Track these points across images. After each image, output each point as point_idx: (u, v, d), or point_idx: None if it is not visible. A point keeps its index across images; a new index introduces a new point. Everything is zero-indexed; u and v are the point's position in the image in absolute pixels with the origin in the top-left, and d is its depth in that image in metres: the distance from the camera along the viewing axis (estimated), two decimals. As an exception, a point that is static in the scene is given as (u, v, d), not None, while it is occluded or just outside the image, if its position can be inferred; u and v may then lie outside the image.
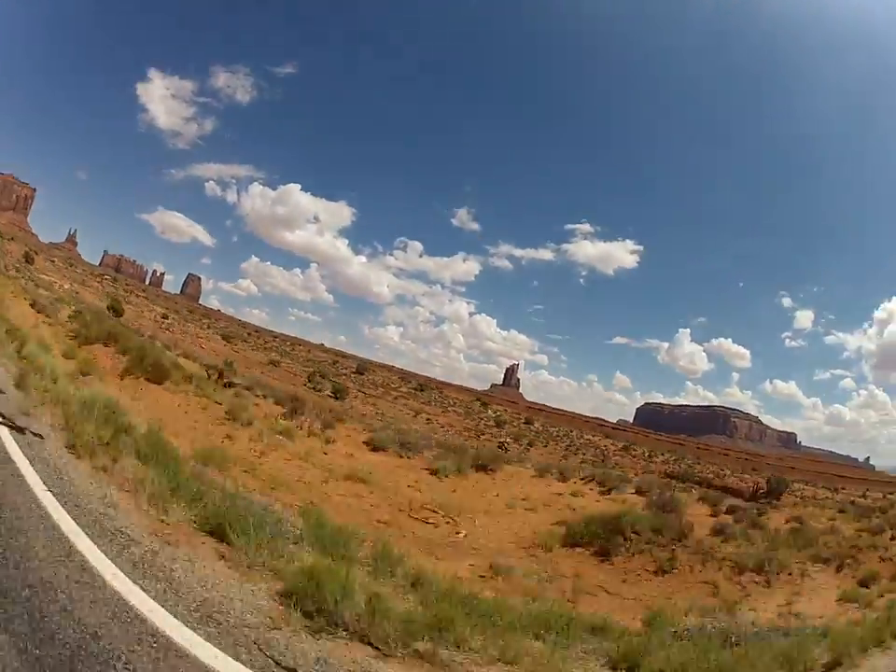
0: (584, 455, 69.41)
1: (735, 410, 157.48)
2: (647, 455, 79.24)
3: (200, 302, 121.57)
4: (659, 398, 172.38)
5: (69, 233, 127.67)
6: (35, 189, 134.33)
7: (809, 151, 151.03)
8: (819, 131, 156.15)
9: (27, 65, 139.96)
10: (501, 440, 52.38)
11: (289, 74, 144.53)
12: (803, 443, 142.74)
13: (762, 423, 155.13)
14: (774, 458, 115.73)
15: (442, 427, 54.24)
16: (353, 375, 77.36)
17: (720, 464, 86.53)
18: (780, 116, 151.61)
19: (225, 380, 22.72)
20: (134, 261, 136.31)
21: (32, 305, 24.73)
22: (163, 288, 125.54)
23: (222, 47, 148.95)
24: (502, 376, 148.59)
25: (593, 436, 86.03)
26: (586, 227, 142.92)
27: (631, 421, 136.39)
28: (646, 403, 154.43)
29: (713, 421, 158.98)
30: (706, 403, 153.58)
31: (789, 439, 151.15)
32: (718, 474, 73.55)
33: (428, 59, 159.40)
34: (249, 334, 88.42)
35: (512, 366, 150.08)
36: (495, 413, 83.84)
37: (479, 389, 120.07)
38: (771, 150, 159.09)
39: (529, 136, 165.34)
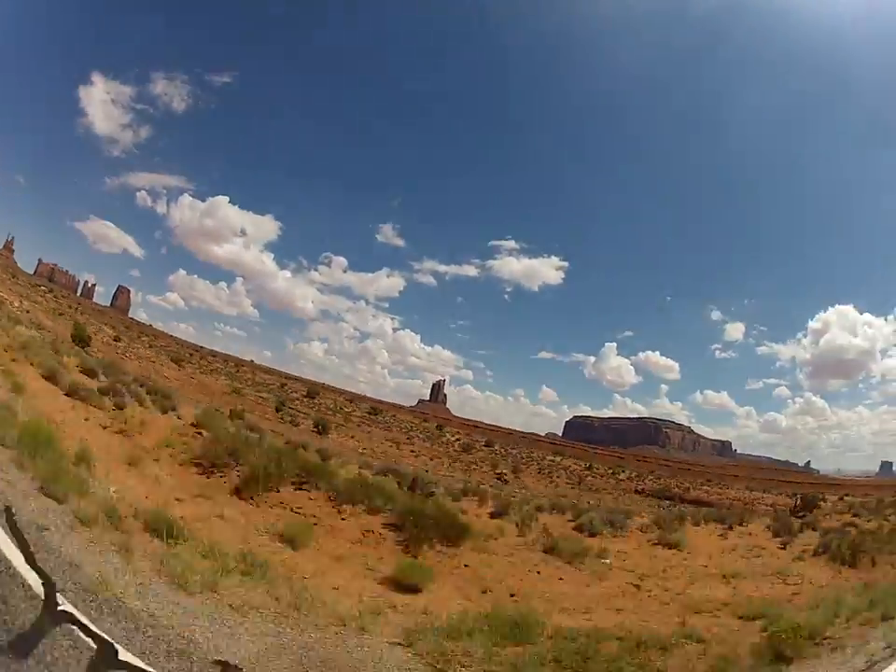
0: (558, 477, 70.51)
1: (665, 420, 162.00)
2: (611, 472, 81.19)
3: (130, 316, 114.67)
4: (587, 410, 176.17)
5: (6, 240, 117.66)
6: None
7: (735, 165, 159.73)
8: (744, 145, 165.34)
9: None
10: (499, 471, 52.16)
11: (226, 83, 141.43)
12: (738, 451, 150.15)
13: (694, 432, 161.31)
14: (715, 467, 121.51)
15: (431, 460, 53.48)
16: (305, 399, 74.96)
17: (671, 476, 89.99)
18: (707, 130, 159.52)
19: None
20: (67, 272, 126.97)
21: (48, 378, 17.92)
22: (94, 300, 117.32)
23: (163, 50, 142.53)
24: (429, 392, 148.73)
25: (554, 456, 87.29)
26: (511, 243, 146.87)
27: (560, 434, 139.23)
28: (575, 416, 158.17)
29: (644, 432, 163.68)
30: (635, 415, 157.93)
31: (723, 447, 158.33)
32: (681, 487, 76.44)
33: (353, 72, 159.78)
34: (191, 354, 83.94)
35: (439, 382, 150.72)
36: (454, 436, 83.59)
37: (407, 406, 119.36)
38: (696, 164, 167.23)
39: (455, 151, 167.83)
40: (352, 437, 55.30)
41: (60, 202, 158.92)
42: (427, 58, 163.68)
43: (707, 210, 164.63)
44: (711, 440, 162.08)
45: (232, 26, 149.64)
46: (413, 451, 57.41)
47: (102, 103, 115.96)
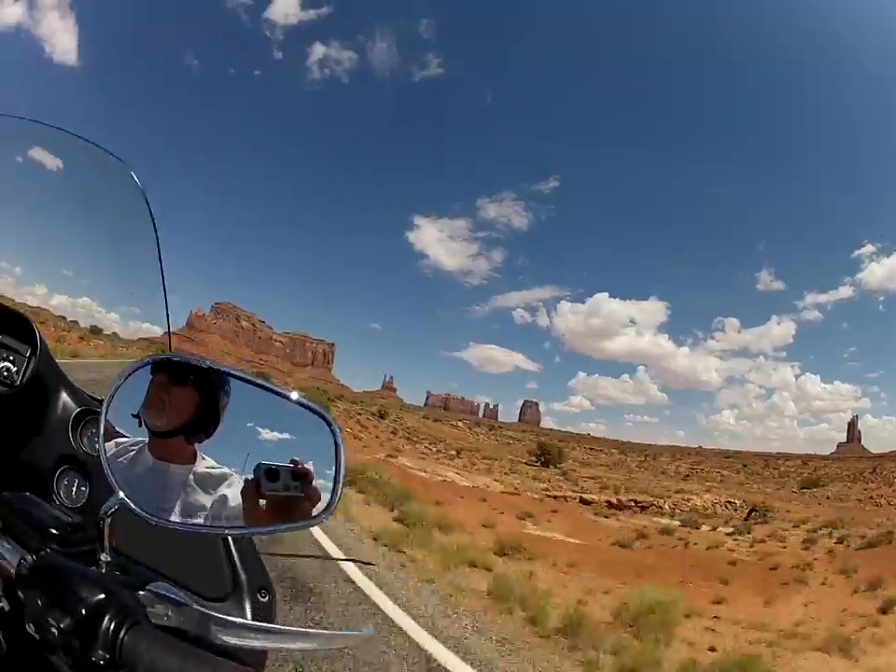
0: None
1: None
2: None
3: (541, 426, 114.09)
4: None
5: (384, 380, 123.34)
6: (333, 344, 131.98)
7: None
8: None
9: (300, 236, 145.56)
10: None
11: (554, 187, 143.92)
12: None
13: None
14: None
15: None
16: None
17: None
18: None
19: None
20: (462, 398, 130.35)
21: None
22: (499, 419, 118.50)
23: (477, 179, 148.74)
24: (843, 434, 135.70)
25: None
26: (869, 248, 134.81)
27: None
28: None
29: None
30: None
31: None
32: None
33: (689, 131, 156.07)
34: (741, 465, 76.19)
35: (852, 419, 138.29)
36: None
37: (822, 455, 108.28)
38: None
39: (793, 172, 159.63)
40: None
41: (429, 337, 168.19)
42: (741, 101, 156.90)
43: None
44: None
45: (534, 136, 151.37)
46: None
47: (437, 241, 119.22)
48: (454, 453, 54.95)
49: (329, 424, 0.89)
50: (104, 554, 0.90)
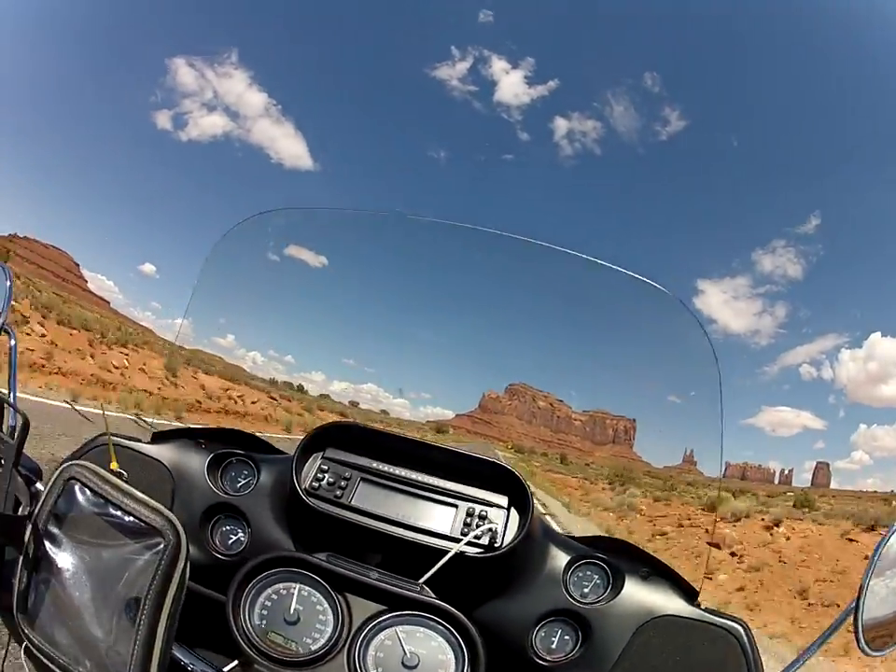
0: None
1: None
2: None
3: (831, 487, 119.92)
4: None
5: (685, 454, 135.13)
6: (633, 420, 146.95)
7: None
8: None
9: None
10: None
11: (817, 226, 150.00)
12: None
13: None
14: None
15: None
16: None
17: None
18: None
19: None
20: (759, 466, 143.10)
21: None
22: (792, 484, 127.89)
23: (746, 231, 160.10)
24: None
25: None
26: None
27: None
28: None
29: None
30: None
31: None
32: None
33: None
34: None
35: None
36: None
37: None
38: None
39: None
40: None
41: (724, 405, 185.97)
42: None
43: None
44: None
45: (791, 172, 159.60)
46: None
47: (723, 304, 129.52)
48: None
49: None
50: None
